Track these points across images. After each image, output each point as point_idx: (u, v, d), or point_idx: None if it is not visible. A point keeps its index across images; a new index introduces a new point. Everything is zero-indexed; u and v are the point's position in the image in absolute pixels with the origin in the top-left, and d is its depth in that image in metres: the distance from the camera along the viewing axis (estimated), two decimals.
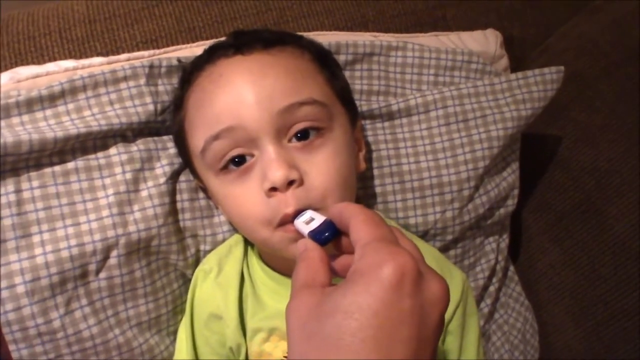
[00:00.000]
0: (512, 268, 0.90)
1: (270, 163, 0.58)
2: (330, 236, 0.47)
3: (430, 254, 0.70)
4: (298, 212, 0.57)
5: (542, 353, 0.87)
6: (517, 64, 0.97)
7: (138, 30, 0.84)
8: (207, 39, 0.83)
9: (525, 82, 0.79)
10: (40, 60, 0.80)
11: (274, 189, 0.57)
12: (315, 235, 0.48)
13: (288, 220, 0.57)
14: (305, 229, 0.51)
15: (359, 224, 0.42)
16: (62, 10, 0.85)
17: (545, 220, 0.90)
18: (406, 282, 0.37)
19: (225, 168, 0.61)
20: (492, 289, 0.86)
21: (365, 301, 0.36)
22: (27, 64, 0.79)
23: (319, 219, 0.51)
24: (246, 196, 0.60)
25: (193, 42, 0.82)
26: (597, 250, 0.84)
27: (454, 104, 0.78)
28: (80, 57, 0.80)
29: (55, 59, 0.80)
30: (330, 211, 0.48)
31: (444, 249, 0.81)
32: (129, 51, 0.81)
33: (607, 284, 0.83)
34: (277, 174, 0.56)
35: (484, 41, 0.88)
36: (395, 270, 0.37)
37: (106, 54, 0.81)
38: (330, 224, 0.48)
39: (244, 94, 0.60)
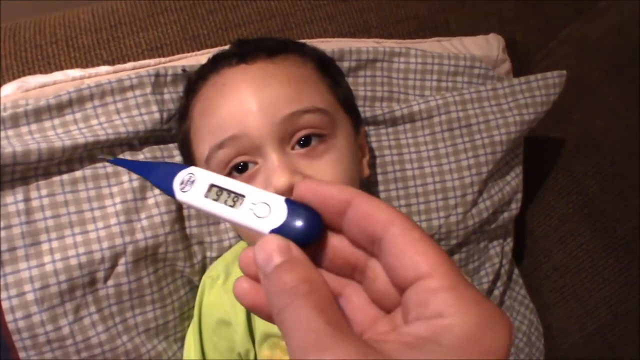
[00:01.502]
0: (516, 271, 0.90)
1: (274, 170, 0.58)
2: (319, 232, 0.31)
3: None
4: None
5: (547, 355, 0.87)
6: (520, 67, 0.97)
7: (143, 38, 0.84)
8: (211, 46, 0.83)
9: (527, 87, 0.79)
10: (46, 68, 0.81)
11: None
12: (295, 231, 0.30)
13: None
14: (263, 223, 0.31)
15: (411, 244, 0.28)
16: (69, 18, 0.86)
17: (549, 223, 0.90)
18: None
19: (228, 175, 0.62)
20: (496, 292, 0.86)
21: None
22: (34, 72, 0.80)
23: (276, 203, 0.32)
24: None
25: (198, 49, 0.83)
26: (600, 252, 0.84)
27: (457, 110, 0.78)
28: (87, 65, 0.81)
29: (61, 67, 0.81)
30: (304, 188, 0.31)
31: (448, 254, 0.80)
32: (134, 59, 0.82)
33: (611, 286, 0.83)
34: (281, 181, 0.57)
35: (486, 46, 0.89)
36: (504, 343, 0.26)
37: (112, 62, 0.82)
38: (312, 211, 0.31)
39: (247, 103, 0.61)
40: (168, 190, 0.35)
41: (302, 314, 0.26)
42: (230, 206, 0.33)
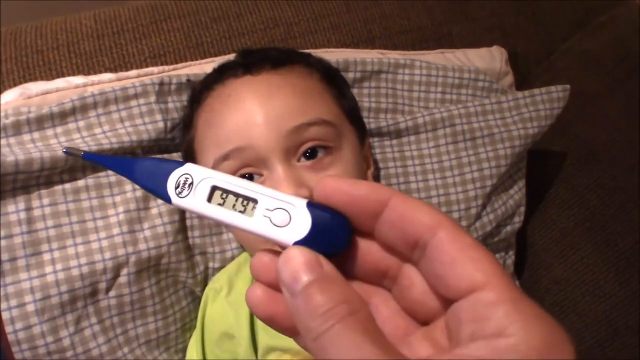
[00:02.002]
0: (517, 284, 0.90)
1: (280, 182, 0.58)
2: (349, 239, 0.28)
3: None
4: None
5: None
6: (521, 80, 0.98)
7: (146, 45, 0.84)
8: (215, 54, 0.83)
9: (532, 100, 0.79)
10: (48, 74, 0.80)
11: None
12: (323, 241, 0.27)
13: None
14: (284, 233, 0.28)
15: (462, 250, 0.25)
16: (71, 24, 0.85)
17: (550, 237, 0.90)
18: None
19: None
20: None
21: None
22: (35, 77, 0.79)
23: (296, 208, 0.28)
24: None
25: (201, 57, 0.82)
26: (601, 266, 0.84)
27: (461, 122, 0.78)
28: (89, 72, 0.81)
29: (63, 73, 0.80)
30: (331, 187, 0.27)
31: None
32: (137, 66, 0.82)
33: (611, 300, 0.83)
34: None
35: (489, 58, 0.89)
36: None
37: (114, 69, 0.81)
38: (340, 217, 0.27)
39: (253, 115, 0.60)
40: (162, 195, 0.30)
41: (348, 339, 0.23)
42: (241, 212, 0.28)
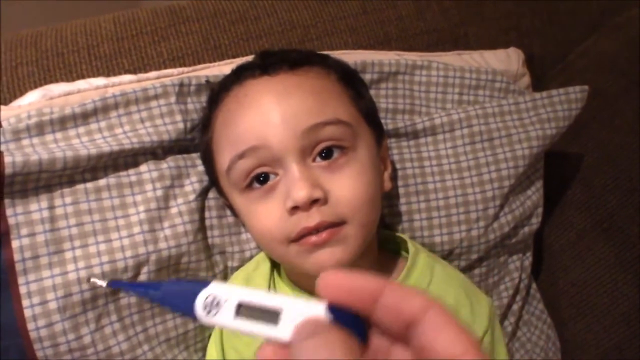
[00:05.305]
0: (534, 286, 0.90)
1: (295, 182, 0.58)
2: (365, 339, 0.31)
3: (456, 280, 0.70)
4: (322, 225, 0.57)
5: None
6: (537, 81, 0.97)
7: (165, 47, 0.84)
8: (233, 57, 0.84)
9: (549, 101, 0.79)
10: (68, 76, 0.81)
11: (296, 208, 0.58)
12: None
13: (306, 232, 0.58)
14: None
15: (449, 324, 0.29)
16: (90, 27, 0.86)
17: (567, 238, 0.90)
18: None
19: (249, 186, 0.62)
20: (515, 307, 0.86)
21: None
22: (56, 80, 0.80)
23: (317, 315, 0.30)
24: (267, 213, 0.61)
25: (219, 59, 0.83)
26: (619, 268, 0.84)
27: (479, 123, 0.78)
28: (108, 74, 0.81)
29: (83, 76, 0.81)
30: (332, 285, 0.31)
31: (468, 268, 0.81)
32: (156, 68, 0.82)
33: (630, 302, 0.82)
34: (301, 193, 0.57)
35: (506, 60, 0.89)
36: None
37: (134, 71, 0.82)
38: (357, 319, 0.30)
39: (269, 114, 0.61)
40: (191, 316, 0.33)
41: None
42: (266, 323, 0.30)
